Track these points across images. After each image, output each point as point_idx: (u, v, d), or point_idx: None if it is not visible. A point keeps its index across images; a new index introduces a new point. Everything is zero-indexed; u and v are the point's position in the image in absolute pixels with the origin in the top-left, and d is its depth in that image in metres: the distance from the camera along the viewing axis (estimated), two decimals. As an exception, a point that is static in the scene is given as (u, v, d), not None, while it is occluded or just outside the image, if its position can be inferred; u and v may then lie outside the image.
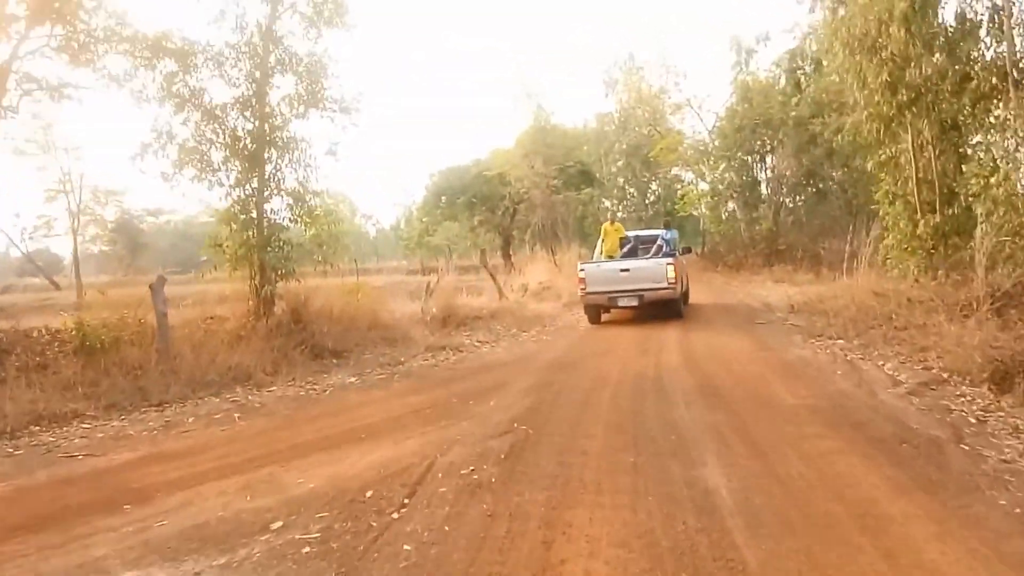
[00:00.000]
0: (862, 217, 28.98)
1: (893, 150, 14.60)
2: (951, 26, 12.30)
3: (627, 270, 13.17)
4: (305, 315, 11.30)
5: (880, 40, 12.74)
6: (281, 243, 11.28)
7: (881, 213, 15.99)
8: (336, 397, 7.87)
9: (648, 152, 35.03)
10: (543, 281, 19.37)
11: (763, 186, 28.83)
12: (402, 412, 6.70)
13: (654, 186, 41.38)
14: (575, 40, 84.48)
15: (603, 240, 15.57)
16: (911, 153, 14.26)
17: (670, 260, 13.25)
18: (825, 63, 23.39)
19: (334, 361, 10.14)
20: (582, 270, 13.44)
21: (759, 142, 28.45)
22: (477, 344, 11.36)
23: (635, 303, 13.10)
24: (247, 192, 11.31)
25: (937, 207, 14.26)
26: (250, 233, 11.23)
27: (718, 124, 29.75)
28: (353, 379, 8.83)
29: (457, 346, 10.97)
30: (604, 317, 14.16)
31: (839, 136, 22.39)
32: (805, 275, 21.33)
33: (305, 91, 11.61)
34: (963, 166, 14.82)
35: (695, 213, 39.84)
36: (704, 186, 32.26)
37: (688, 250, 18.43)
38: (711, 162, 29.77)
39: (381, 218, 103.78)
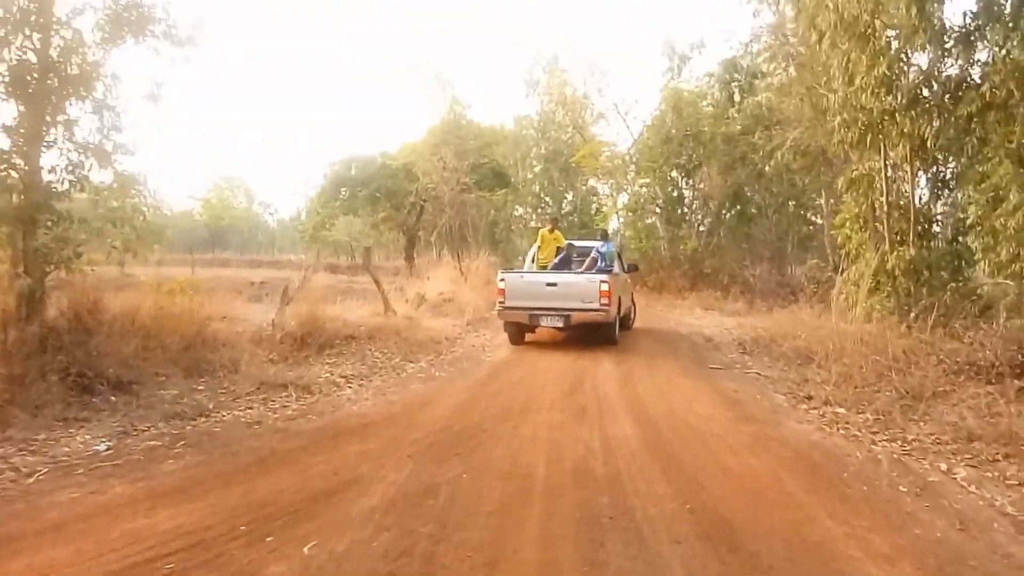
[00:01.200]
0: (788, 243, 27.45)
1: (866, 167, 12.18)
2: (970, 13, 9.84)
3: (554, 284, 11.01)
4: (91, 323, 7.61)
5: (876, 25, 10.22)
6: (57, 217, 7.51)
7: (840, 240, 13.62)
8: (22, 499, 4.22)
9: (568, 158, 32.41)
10: (445, 291, 16.09)
11: (688, 204, 26.51)
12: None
13: (570, 196, 38.80)
14: (498, 36, 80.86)
15: (538, 247, 13.21)
16: (883, 172, 11.92)
17: (604, 277, 10.95)
18: (767, 69, 21.42)
19: (111, 399, 6.45)
20: (502, 279, 11.43)
21: (686, 156, 26.22)
22: (338, 382, 7.86)
23: (560, 324, 11.00)
24: (16, 140, 7.51)
25: (910, 238, 12.00)
26: (11, 198, 7.46)
27: (645, 134, 27.31)
28: (108, 446, 5.20)
29: (308, 384, 7.44)
30: (528, 336, 11.98)
31: (777, 154, 20.40)
32: (735, 303, 18.99)
33: (113, 3, 7.91)
34: (945, 191, 12.68)
35: (611, 229, 37.76)
36: (624, 199, 29.83)
37: (634, 267, 15.70)
38: (634, 173, 27.29)
39: (280, 207, 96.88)
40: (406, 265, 31.36)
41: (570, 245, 12.90)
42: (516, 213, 41.04)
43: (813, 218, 26.02)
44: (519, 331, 11.58)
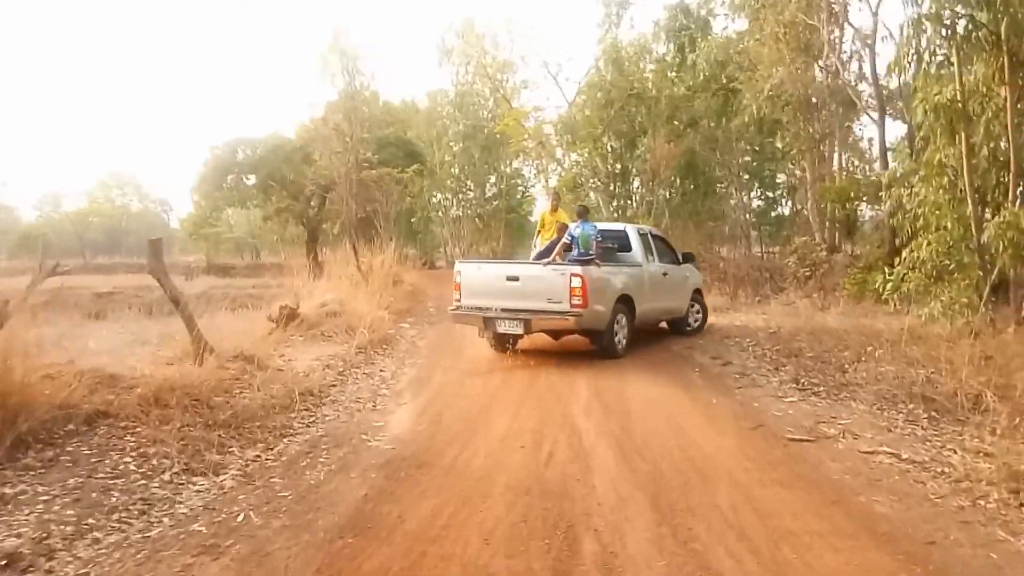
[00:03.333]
0: (752, 217, 23.57)
1: (953, 91, 7.94)
2: None
3: (515, 279, 8.46)
4: None
5: None
6: None
7: (894, 204, 9.46)
8: None
9: (491, 134, 27.76)
10: (328, 301, 11.09)
11: (634, 178, 22.19)
12: None
13: (494, 179, 34.12)
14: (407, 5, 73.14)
15: (539, 232, 10.88)
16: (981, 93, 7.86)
17: (577, 270, 8.13)
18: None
19: None
20: (458, 271, 8.98)
21: (628, 123, 21.93)
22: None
23: (519, 330, 8.31)
24: None
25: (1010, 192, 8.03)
26: None
27: (580, 96, 22.86)
28: None
29: None
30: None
31: (753, 106, 16.26)
32: (711, 294, 14.76)
33: None
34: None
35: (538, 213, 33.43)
36: (556, 178, 25.35)
37: (690, 257, 10.99)
38: (568, 143, 22.78)
39: (178, 204, 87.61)
40: (309, 264, 26.03)
41: (563, 228, 9.41)
42: (435, 199, 36.12)
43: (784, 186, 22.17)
44: (501, 338, 8.80)
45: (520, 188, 34.57)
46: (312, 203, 29.93)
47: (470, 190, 34.57)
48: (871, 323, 10.50)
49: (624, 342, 8.60)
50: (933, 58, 7.92)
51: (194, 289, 25.16)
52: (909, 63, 8.09)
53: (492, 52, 27.80)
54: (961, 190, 8.17)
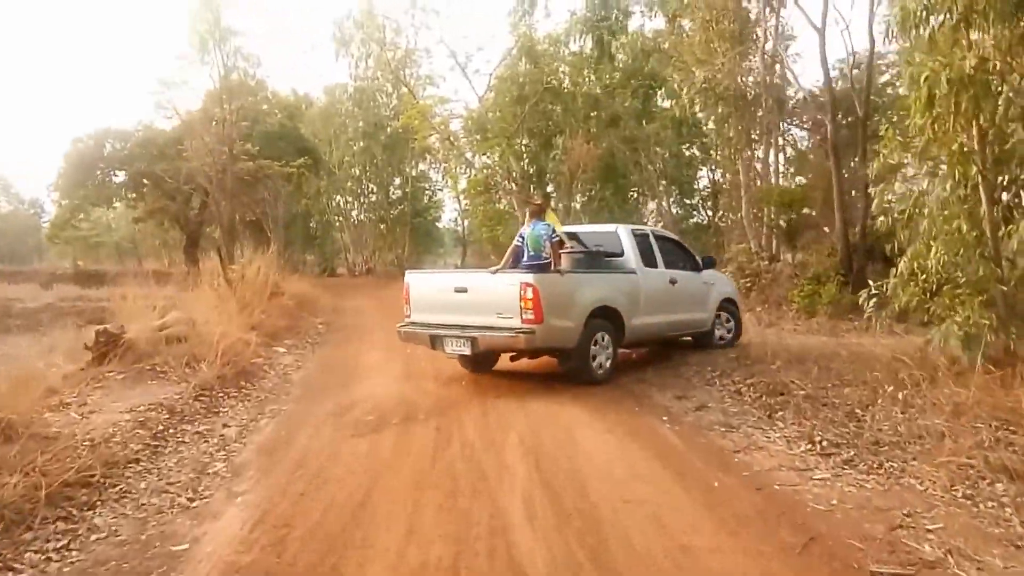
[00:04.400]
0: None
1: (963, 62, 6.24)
2: None
3: (463, 290, 6.94)
4: None
5: None
6: None
7: (880, 203, 7.74)
8: None
9: (397, 126, 25.30)
10: (173, 321, 8.35)
11: (551, 180, 20.23)
12: None
13: (398, 181, 31.50)
14: None
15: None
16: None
17: (528, 279, 6.50)
18: None
19: None
20: (408, 282, 7.55)
21: (543, 120, 20.09)
22: None
23: (466, 350, 6.76)
24: None
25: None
26: None
27: (493, 90, 20.77)
28: None
29: None
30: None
31: (675, 108, 14.57)
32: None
33: None
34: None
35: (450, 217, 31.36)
36: (465, 181, 23.17)
37: (711, 261, 9.23)
38: (480, 142, 20.63)
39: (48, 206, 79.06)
40: (189, 270, 22.64)
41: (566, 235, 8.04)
42: (336, 202, 33.13)
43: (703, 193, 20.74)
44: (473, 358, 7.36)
45: (427, 192, 32.13)
46: (192, 203, 26.51)
47: (373, 193, 31.86)
48: (846, 344, 8.88)
49: (607, 364, 7.03)
50: (950, 15, 6.20)
51: (42, 300, 21.44)
52: (917, 23, 6.34)
53: (394, 41, 25.27)
54: (973, 186, 6.50)
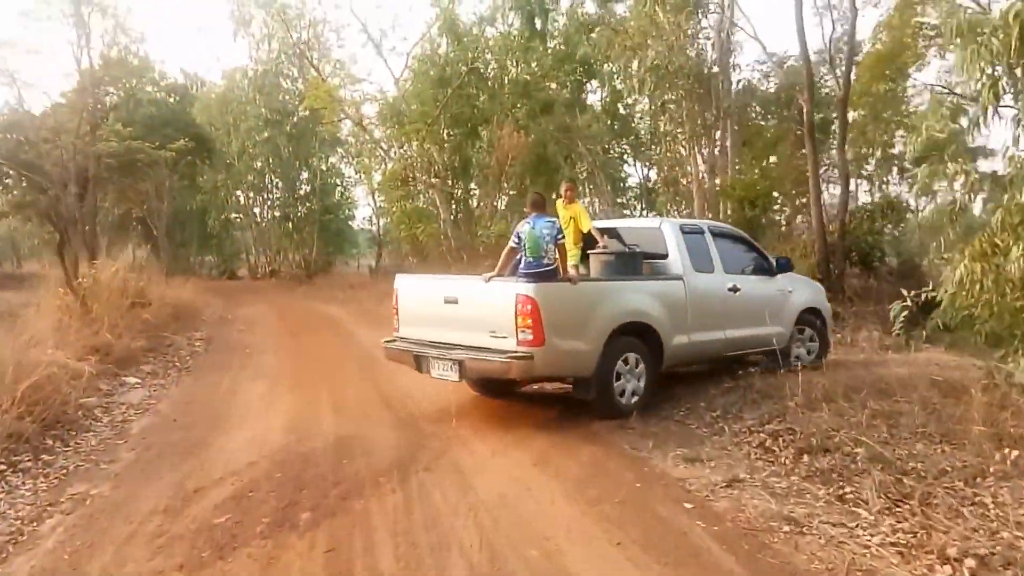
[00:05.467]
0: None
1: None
2: None
3: (454, 300, 5.54)
4: None
5: None
6: None
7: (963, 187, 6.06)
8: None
9: (300, 108, 22.65)
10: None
11: (478, 172, 18.08)
12: None
13: (307, 175, 28.61)
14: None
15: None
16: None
17: (524, 289, 5.01)
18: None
19: None
20: (397, 288, 6.18)
21: (468, 107, 17.98)
22: None
23: (453, 376, 5.33)
24: None
25: None
26: None
27: (412, 72, 18.49)
28: None
29: None
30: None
31: (635, 79, 12.72)
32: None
33: None
34: None
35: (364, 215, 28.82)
36: (380, 174, 20.71)
37: (786, 264, 7.21)
38: (396, 131, 18.27)
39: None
40: (66, 275, 19.24)
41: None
42: (236, 199, 29.89)
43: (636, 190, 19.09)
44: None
45: (339, 187, 29.30)
46: (64, 196, 22.91)
47: (277, 188, 28.86)
48: (846, 363, 7.17)
49: (637, 395, 5.55)
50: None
51: None
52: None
53: (299, 19, 22.50)
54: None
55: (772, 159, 15.48)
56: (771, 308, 6.80)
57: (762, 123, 15.60)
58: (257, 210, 29.94)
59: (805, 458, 4.30)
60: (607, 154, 19.15)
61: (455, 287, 5.80)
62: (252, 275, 29.72)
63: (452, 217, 17.51)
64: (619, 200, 21.41)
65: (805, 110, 10.63)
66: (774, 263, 7.07)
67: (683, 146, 13.74)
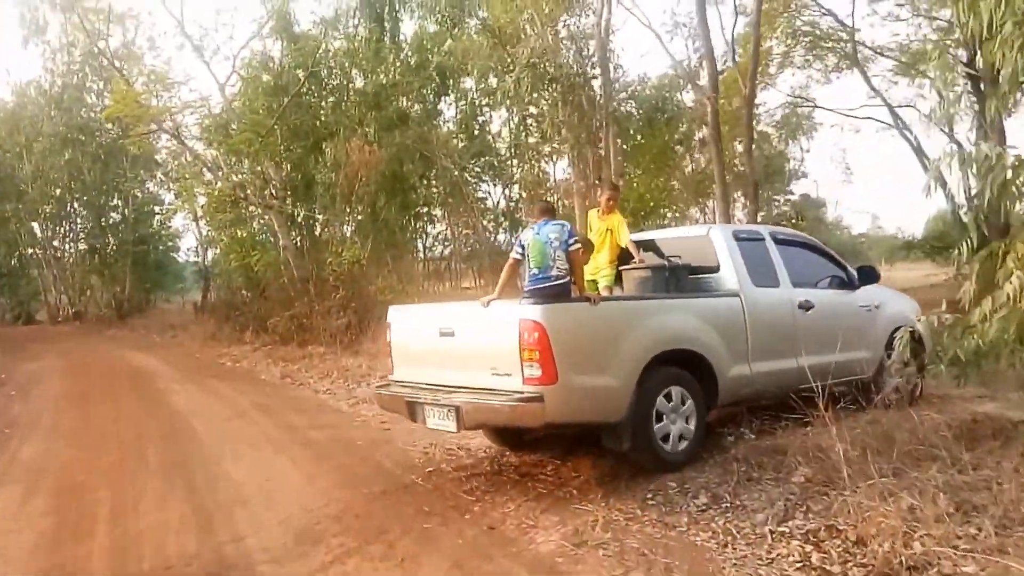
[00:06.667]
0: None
1: None
2: None
3: (450, 333, 4.52)
4: None
5: None
6: None
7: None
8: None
9: (103, 117, 19.22)
10: None
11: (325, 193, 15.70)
12: None
13: (117, 201, 24.61)
14: None
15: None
16: None
17: (531, 312, 3.98)
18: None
19: None
20: (390, 323, 5.19)
21: (311, 118, 15.71)
22: None
23: (451, 426, 4.23)
24: None
25: None
26: None
27: (243, 79, 15.84)
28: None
29: None
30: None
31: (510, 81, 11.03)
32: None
33: None
34: None
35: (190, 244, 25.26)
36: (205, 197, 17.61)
37: (872, 274, 5.83)
38: (221, 143, 15.48)
39: None
40: None
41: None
42: (30, 230, 25.37)
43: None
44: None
45: (157, 215, 25.48)
46: None
47: (81, 217, 24.65)
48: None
49: (686, 439, 4.40)
50: None
51: None
52: None
53: (104, 19, 18.95)
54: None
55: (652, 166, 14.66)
56: (854, 328, 5.55)
57: (648, 130, 14.73)
58: (57, 243, 25.52)
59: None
60: (464, 172, 17.61)
61: (451, 316, 4.87)
62: (52, 319, 25.23)
63: (294, 244, 14.96)
64: (484, 223, 19.92)
65: (710, 108, 9.47)
66: (855, 274, 5.83)
67: (547, 161, 12.34)
